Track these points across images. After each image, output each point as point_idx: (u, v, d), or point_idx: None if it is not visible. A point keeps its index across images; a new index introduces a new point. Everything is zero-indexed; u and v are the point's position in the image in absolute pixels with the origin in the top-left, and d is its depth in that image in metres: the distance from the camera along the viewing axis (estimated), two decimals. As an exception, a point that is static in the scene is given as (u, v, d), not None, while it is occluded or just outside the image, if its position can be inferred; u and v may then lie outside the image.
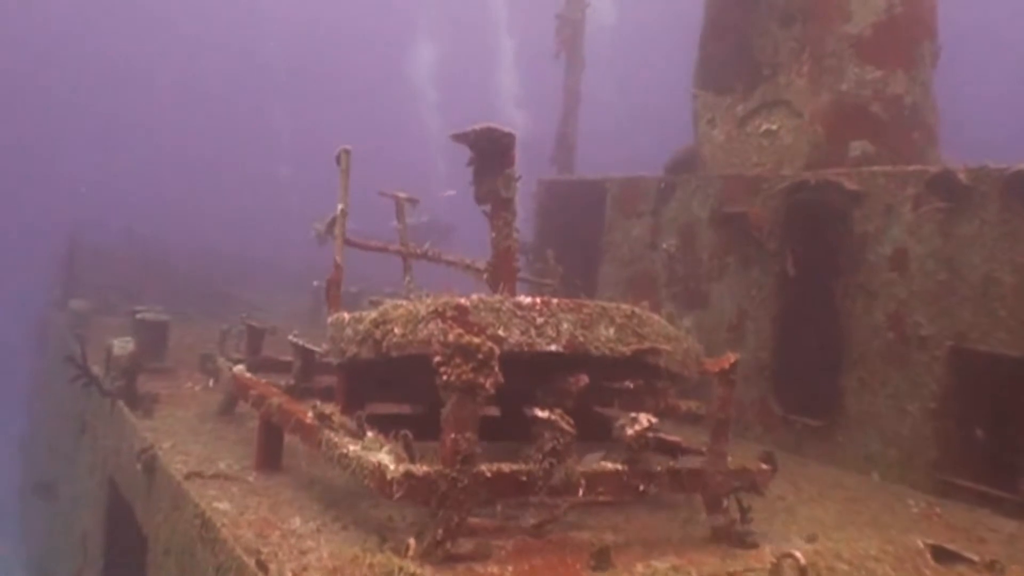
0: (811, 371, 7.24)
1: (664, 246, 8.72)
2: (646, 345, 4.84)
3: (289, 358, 7.54)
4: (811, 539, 4.98)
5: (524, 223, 12.38)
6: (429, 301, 4.57)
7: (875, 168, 7.03)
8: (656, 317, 5.08)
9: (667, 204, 8.78)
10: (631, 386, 5.81)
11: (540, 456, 4.17)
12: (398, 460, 4.03)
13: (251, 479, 5.31)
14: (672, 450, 5.05)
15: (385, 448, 4.22)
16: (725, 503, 4.73)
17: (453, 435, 3.96)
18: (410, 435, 4.16)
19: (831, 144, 7.61)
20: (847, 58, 7.63)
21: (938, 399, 6.36)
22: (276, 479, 5.36)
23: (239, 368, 6.30)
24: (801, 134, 7.84)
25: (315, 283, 16.75)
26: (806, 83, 7.93)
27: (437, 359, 3.96)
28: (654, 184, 9.02)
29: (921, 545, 5.08)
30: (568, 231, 10.38)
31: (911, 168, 6.80)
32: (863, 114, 7.57)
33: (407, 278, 6.19)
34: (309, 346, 6.24)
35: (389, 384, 5.51)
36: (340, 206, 5.51)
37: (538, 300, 4.58)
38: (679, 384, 5.72)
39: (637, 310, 4.94)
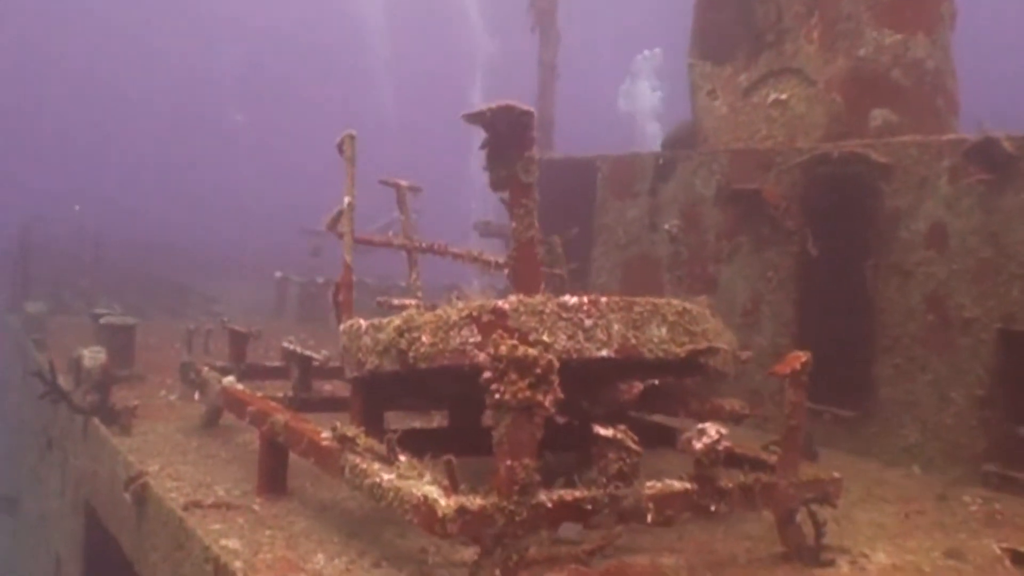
0: (839, 358, 6.78)
1: (666, 227, 8.21)
2: (703, 345, 4.34)
3: (277, 363, 6.99)
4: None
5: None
6: (461, 304, 4.03)
7: (905, 138, 6.57)
8: (706, 312, 4.59)
9: (666, 183, 8.28)
10: (655, 383, 5.34)
11: (605, 480, 3.65)
12: (447, 492, 3.48)
13: (256, 507, 4.72)
14: (735, 460, 4.54)
15: (426, 477, 3.68)
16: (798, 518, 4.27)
17: (509, 462, 3.43)
18: (454, 461, 3.60)
19: (850, 114, 7.14)
20: (864, 21, 7.16)
21: (986, 386, 5.93)
22: (283, 505, 4.79)
23: (229, 380, 5.70)
24: (816, 104, 7.37)
25: (277, 274, 16.09)
26: (817, 49, 7.46)
27: (487, 375, 3.42)
28: (650, 161, 8.51)
29: (998, 551, 4.67)
30: (553, 213, 9.83)
31: (946, 137, 6.36)
32: (883, 81, 7.11)
33: (412, 275, 5.61)
34: (308, 353, 5.66)
35: (405, 392, 4.95)
36: (347, 199, 4.90)
37: (585, 299, 4.06)
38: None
39: (688, 306, 4.45)
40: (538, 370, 3.39)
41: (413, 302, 5.43)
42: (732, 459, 4.59)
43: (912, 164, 6.37)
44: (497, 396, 3.40)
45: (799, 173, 7.00)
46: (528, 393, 3.38)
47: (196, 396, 6.22)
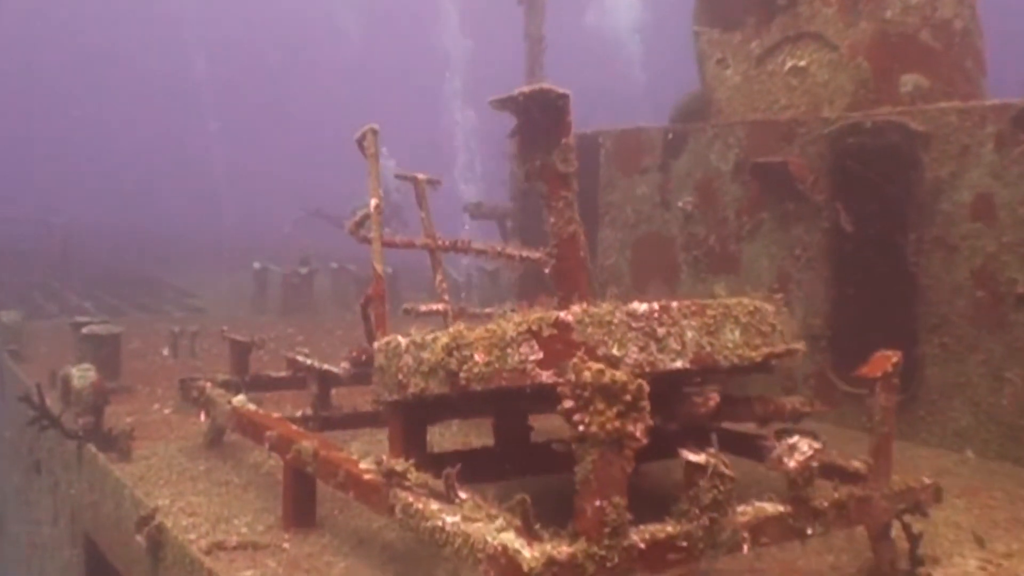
0: (878, 338, 6.40)
1: (680, 204, 7.80)
2: (781, 348, 3.95)
3: (281, 374, 6.54)
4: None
5: (502, 185, 11.46)
6: (517, 317, 3.60)
7: (945, 105, 6.18)
8: (772, 308, 4.19)
9: (678, 157, 7.85)
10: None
11: (697, 511, 3.24)
12: (528, 540, 3.05)
13: (286, 545, 4.28)
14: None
15: (498, 521, 3.25)
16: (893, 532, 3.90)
17: (598, 502, 3.00)
18: (528, 501, 3.17)
19: (878, 79, 6.74)
20: (888, -19, 6.75)
21: None
22: (315, 541, 4.34)
23: (240, 399, 5.22)
24: (840, 70, 6.95)
25: (256, 264, 15.52)
26: (836, 12, 7.04)
27: (568, 404, 3.00)
28: (659, 135, 8.07)
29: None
30: None
31: (989, 103, 5.98)
32: (912, 44, 6.71)
33: (437, 277, 5.14)
34: (327, 367, 5.20)
35: (444, 410, 4.50)
36: (373, 201, 4.42)
37: (656, 306, 3.64)
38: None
39: (758, 303, 4.05)
40: (628, 397, 2.97)
41: (441, 307, 4.98)
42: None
43: (952, 132, 5.98)
44: (581, 428, 2.98)
45: (826, 144, 6.60)
46: (617, 424, 2.96)
47: (201, 417, 5.73)
